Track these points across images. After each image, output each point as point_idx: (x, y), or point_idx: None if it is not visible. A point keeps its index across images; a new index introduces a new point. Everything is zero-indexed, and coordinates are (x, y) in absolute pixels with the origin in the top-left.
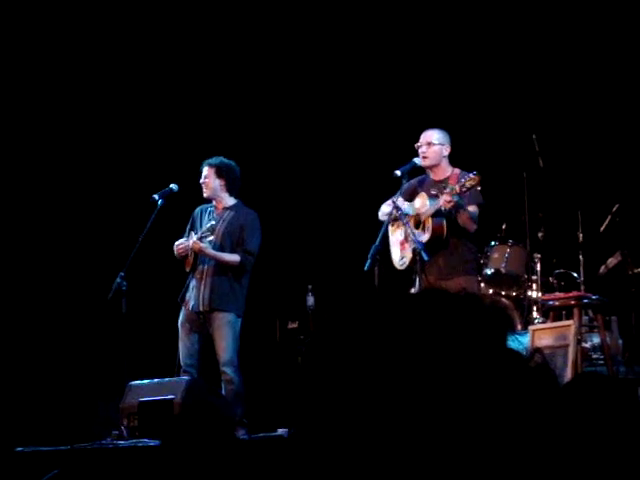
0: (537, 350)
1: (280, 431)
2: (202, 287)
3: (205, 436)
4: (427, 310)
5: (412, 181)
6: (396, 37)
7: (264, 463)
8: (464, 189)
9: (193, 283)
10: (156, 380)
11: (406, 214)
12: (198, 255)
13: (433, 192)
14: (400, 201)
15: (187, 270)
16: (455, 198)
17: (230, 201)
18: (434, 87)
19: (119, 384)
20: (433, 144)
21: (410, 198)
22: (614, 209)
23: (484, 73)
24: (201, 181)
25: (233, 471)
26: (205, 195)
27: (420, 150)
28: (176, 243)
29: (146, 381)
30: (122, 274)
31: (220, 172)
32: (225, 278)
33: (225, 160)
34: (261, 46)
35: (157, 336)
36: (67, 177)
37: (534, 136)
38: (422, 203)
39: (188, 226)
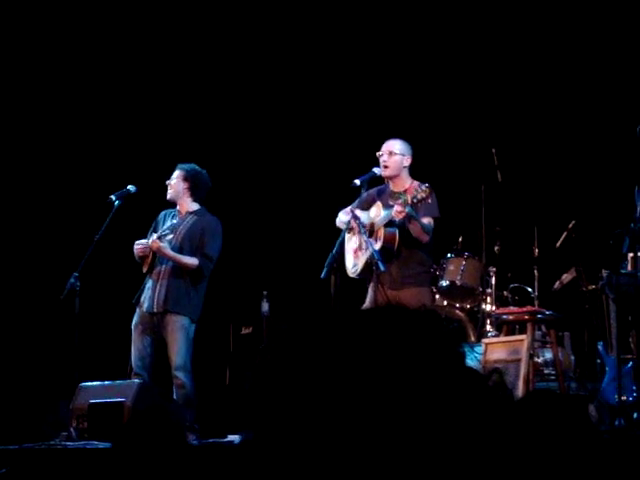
0: (495, 370)
1: (230, 437)
2: (158, 288)
3: (156, 440)
4: (386, 326)
5: (371, 191)
6: (358, 47)
7: (214, 469)
8: (415, 200)
9: (149, 284)
10: (107, 382)
11: (363, 224)
12: (157, 256)
13: (390, 202)
14: (357, 210)
15: (144, 271)
16: (407, 209)
17: (193, 206)
18: (395, 98)
19: (70, 385)
20: (395, 153)
21: (368, 207)
22: (570, 225)
23: (445, 85)
24: (167, 182)
25: (183, 476)
26: (168, 197)
27: (381, 159)
28: (136, 242)
29: (97, 383)
30: (76, 274)
31: (186, 176)
32: (182, 281)
33: (196, 167)
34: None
35: (110, 337)
36: (23, 175)
37: (493, 150)
38: (376, 213)
39: (151, 229)
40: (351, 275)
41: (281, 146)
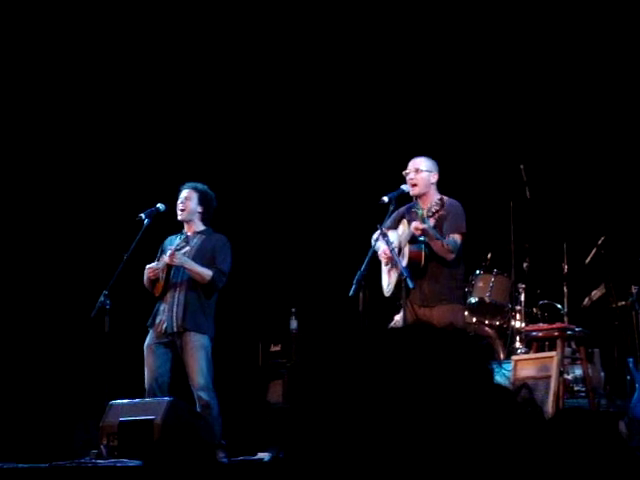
0: (524, 385)
1: (260, 455)
2: (175, 308)
3: (185, 458)
4: (414, 345)
5: (401, 209)
6: (385, 66)
7: None
8: (429, 214)
9: (163, 307)
10: (137, 400)
11: (392, 242)
12: (169, 278)
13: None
14: (388, 230)
15: (156, 295)
16: (426, 224)
17: (200, 226)
18: (422, 115)
19: (100, 403)
20: (421, 171)
21: (397, 226)
22: (599, 241)
23: (473, 102)
24: (180, 202)
25: None
26: (180, 217)
27: (408, 177)
28: (147, 266)
29: (127, 401)
30: (106, 292)
31: (204, 200)
32: (197, 298)
33: (209, 190)
34: (232, 73)
35: (140, 356)
36: (53, 195)
37: (522, 166)
38: (403, 230)
39: (158, 255)
40: (386, 295)
41: (313, 164)
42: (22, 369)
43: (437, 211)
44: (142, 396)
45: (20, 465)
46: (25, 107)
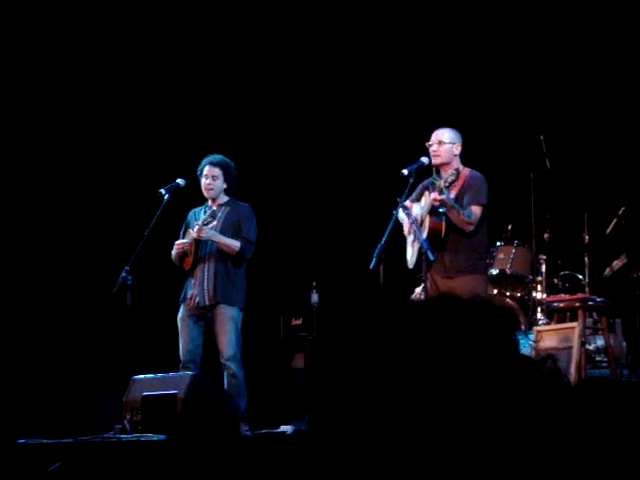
0: (549, 356)
1: (283, 428)
2: (206, 281)
3: (209, 432)
4: (440, 316)
5: (425, 182)
6: (405, 36)
7: (268, 460)
8: (446, 184)
9: (193, 281)
10: (160, 375)
11: (412, 214)
12: (198, 252)
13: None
14: (410, 202)
15: (186, 269)
16: (444, 195)
17: (225, 198)
18: (443, 86)
19: (123, 378)
20: (444, 142)
21: (419, 198)
22: (620, 211)
23: (492, 73)
24: (208, 182)
25: (237, 467)
26: (209, 196)
27: (431, 149)
28: (176, 242)
29: (150, 375)
30: (127, 268)
31: (229, 176)
32: (226, 270)
33: (230, 162)
34: (263, 39)
35: (162, 331)
36: (75, 171)
37: (542, 137)
38: (424, 202)
39: (182, 230)
40: (410, 266)
41: (332, 136)
42: (46, 345)
43: (453, 182)
44: (165, 370)
45: (44, 440)
46: (39, 84)
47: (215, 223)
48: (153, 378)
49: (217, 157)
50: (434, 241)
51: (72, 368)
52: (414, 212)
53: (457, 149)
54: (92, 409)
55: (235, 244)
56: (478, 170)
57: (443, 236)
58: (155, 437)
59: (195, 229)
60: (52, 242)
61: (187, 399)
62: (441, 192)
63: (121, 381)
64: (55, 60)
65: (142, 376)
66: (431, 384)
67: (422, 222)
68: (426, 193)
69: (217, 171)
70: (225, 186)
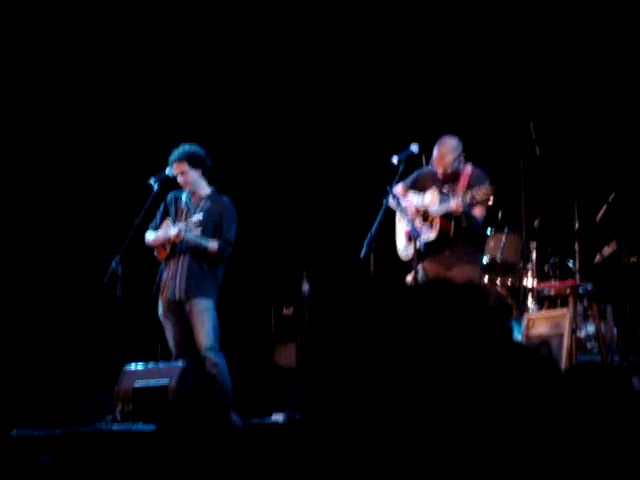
0: (543, 343)
1: (275, 417)
2: (178, 277)
3: (200, 421)
4: (434, 301)
5: (424, 171)
6: (393, 24)
7: (259, 449)
8: (475, 201)
9: (166, 274)
10: (151, 365)
11: (404, 206)
12: (174, 248)
13: (444, 190)
14: (410, 191)
15: (159, 259)
16: (465, 208)
17: (206, 189)
18: (432, 74)
19: (114, 369)
20: (447, 157)
21: (422, 188)
22: (610, 198)
23: (481, 60)
24: (180, 179)
25: (228, 456)
26: (190, 189)
27: (436, 164)
28: (153, 237)
29: (141, 365)
30: (118, 258)
31: (194, 162)
32: (199, 267)
33: (192, 148)
34: (248, 30)
35: (152, 321)
36: (64, 162)
37: (531, 124)
38: (432, 200)
39: (159, 212)
40: (403, 258)
41: (323, 126)
42: (37, 336)
43: (482, 200)
44: (155, 360)
45: (35, 431)
46: (29, 77)
47: (196, 218)
48: (144, 368)
49: (177, 152)
50: (443, 240)
51: (63, 359)
52: (412, 201)
53: (459, 155)
54: (83, 400)
55: (212, 245)
56: (469, 157)
57: (452, 236)
58: (146, 427)
59: (174, 231)
60: (42, 233)
61: (178, 389)
62: (464, 204)
63: (112, 372)
64: (45, 52)
65: (133, 366)
66: (424, 369)
67: (430, 219)
68: (434, 191)
69: (182, 165)
70: (199, 172)
